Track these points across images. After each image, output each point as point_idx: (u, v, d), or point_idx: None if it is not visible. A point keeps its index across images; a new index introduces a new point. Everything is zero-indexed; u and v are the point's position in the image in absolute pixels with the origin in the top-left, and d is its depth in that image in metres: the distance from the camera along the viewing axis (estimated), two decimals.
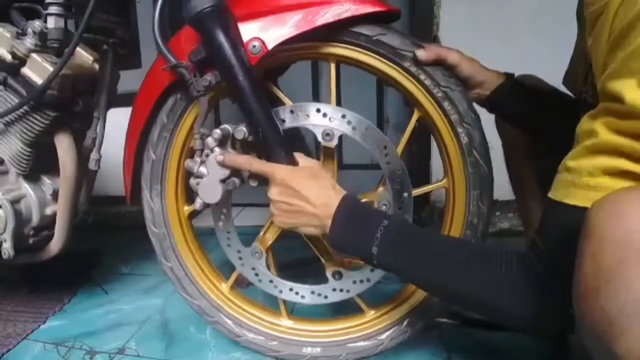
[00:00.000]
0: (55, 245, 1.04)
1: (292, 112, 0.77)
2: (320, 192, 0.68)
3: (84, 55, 1.03)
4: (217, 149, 0.74)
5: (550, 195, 0.53)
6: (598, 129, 0.46)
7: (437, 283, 0.65)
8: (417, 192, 0.81)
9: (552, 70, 0.85)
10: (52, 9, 0.87)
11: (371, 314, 0.90)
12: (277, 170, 0.69)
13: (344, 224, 0.67)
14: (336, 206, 0.67)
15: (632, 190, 0.43)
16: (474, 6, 1.47)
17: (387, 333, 0.88)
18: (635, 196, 0.42)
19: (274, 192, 0.70)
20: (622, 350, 0.39)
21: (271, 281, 0.89)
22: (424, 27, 1.53)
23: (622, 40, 0.45)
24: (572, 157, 0.50)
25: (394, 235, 0.65)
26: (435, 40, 1.53)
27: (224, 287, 0.95)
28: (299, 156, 0.73)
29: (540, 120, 0.81)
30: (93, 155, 1.01)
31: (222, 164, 0.72)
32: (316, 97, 1.79)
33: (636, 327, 0.39)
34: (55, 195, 1.03)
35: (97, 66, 1.02)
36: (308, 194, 0.67)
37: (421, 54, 0.73)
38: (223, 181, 0.73)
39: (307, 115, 0.77)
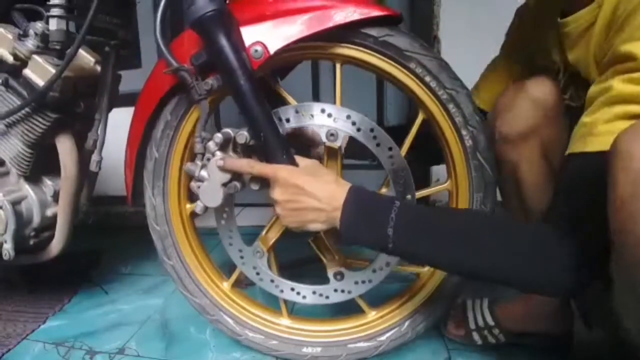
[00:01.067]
0: (55, 246, 1.04)
1: (296, 112, 0.77)
2: (323, 186, 0.68)
3: (85, 57, 1.03)
4: (218, 153, 0.73)
5: (567, 151, 0.54)
6: (612, 84, 0.49)
7: (456, 259, 0.63)
8: (420, 193, 0.81)
9: None
10: (54, 11, 0.87)
11: (372, 314, 0.91)
12: (278, 171, 0.69)
13: (355, 212, 0.67)
14: (343, 198, 0.67)
15: None
16: (474, 6, 1.47)
17: (388, 334, 0.89)
18: None
19: (277, 193, 0.69)
20: None
21: (272, 281, 0.89)
22: (424, 27, 1.53)
23: (633, 18, 0.50)
24: (587, 115, 0.52)
25: (408, 214, 0.64)
26: (435, 40, 1.53)
27: (225, 285, 0.95)
28: (297, 158, 0.73)
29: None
30: (94, 157, 1.01)
31: (223, 169, 0.72)
32: (316, 97, 1.79)
33: None
34: (56, 196, 1.03)
35: (98, 68, 1.02)
36: (311, 190, 0.67)
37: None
38: (224, 185, 0.73)
39: (312, 116, 0.77)
